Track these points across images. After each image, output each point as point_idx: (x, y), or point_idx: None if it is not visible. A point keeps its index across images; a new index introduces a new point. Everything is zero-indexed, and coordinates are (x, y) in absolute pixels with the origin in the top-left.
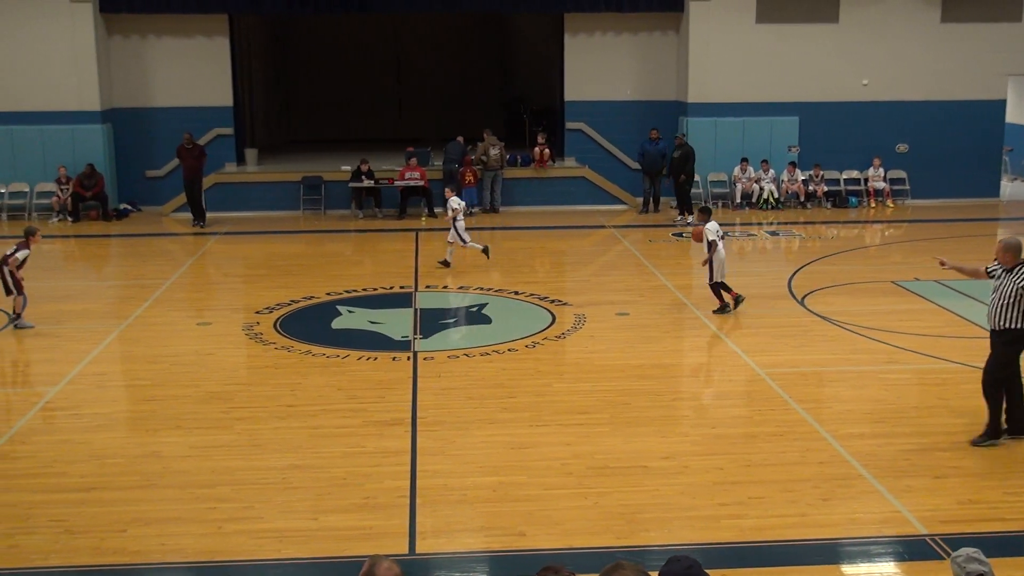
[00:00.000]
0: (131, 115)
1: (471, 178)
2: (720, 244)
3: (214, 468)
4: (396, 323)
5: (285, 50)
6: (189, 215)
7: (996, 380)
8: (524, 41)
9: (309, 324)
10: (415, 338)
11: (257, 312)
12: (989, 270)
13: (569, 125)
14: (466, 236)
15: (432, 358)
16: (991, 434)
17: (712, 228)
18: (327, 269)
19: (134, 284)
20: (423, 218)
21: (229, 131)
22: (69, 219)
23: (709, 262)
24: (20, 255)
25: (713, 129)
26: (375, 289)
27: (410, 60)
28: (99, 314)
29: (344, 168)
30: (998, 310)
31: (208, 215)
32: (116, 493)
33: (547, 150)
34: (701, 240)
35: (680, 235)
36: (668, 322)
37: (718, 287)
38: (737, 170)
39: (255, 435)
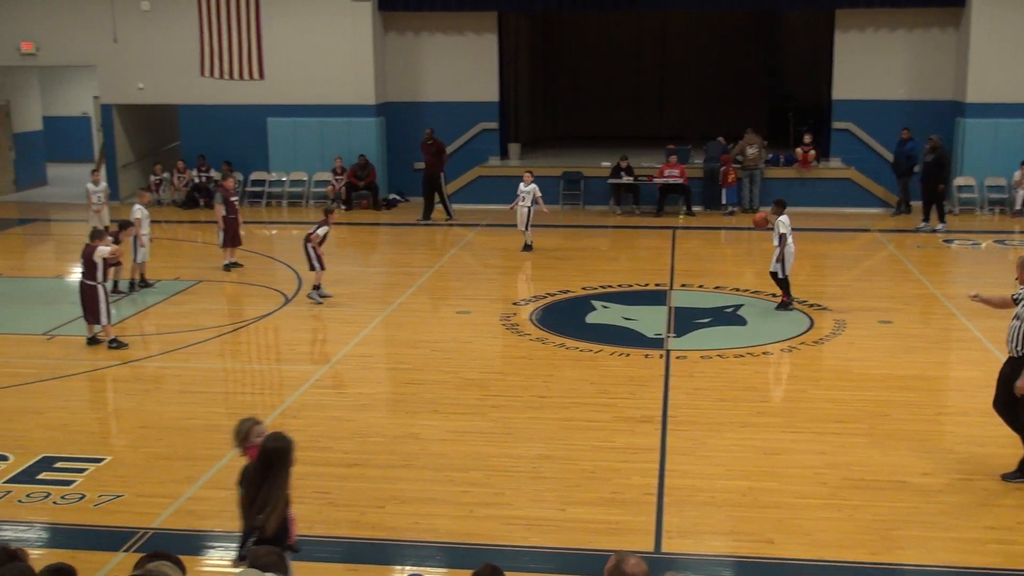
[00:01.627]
0: (402, 109)
1: (732, 177)
2: (790, 238)
3: (468, 453)
4: (650, 320)
5: (550, 46)
6: (453, 207)
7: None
8: (792, 38)
9: (564, 317)
10: (668, 336)
11: (514, 303)
12: (1015, 296)
13: (836, 125)
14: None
15: (685, 357)
16: None
17: (785, 221)
18: (583, 264)
19: (399, 271)
20: (681, 216)
21: (494, 126)
22: (343, 207)
23: (780, 255)
24: (321, 232)
25: (993, 131)
26: (630, 285)
27: (674, 57)
28: (367, 298)
29: (604, 164)
30: (1017, 336)
31: (471, 207)
32: (376, 471)
33: (812, 151)
34: (763, 226)
35: (951, 242)
36: (934, 332)
37: (785, 282)
38: (1018, 174)
39: (508, 423)
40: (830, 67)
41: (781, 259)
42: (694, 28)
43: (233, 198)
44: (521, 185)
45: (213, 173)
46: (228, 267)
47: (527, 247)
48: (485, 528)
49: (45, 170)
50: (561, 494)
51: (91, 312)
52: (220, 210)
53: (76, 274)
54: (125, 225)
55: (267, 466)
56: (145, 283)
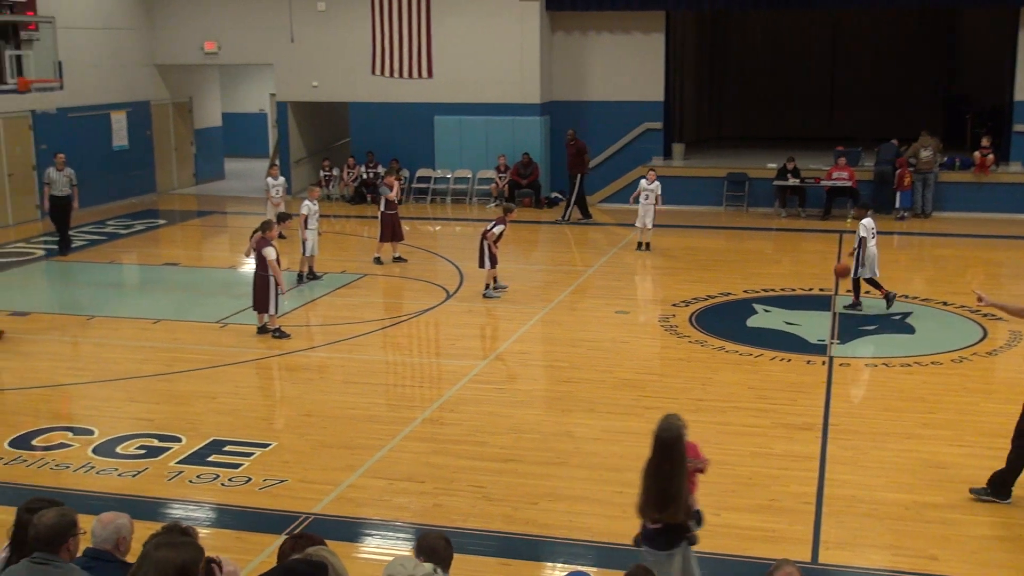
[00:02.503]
0: (566, 108)
1: (908, 180)
2: (872, 241)
3: (623, 453)
4: (813, 326)
5: (717, 46)
6: (615, 206)
7: None
8: (971, 37)
9: (724, 320)
10: (832, 343)
11: (674, 304)
12: None
13: (1017, 128)
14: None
15: (848, 365)
16: None
17: (866, 225)
18: (745, 266)
19: (559, 270)
20: (848, 220)
21: (658, 125)
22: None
23: (856, 256)
24: (496, 230)
25: None
26: (793, 289)
27: (845, 56)
28: (526, 296)
29: (770, 166)
30: None
31: (634, 207)
32: (530, 467)
33: (990, 154)
34: (845, 275)
35: None
36: None
37: (871, 282)
38: None
39: None
40: (1012, 67)
41: (860, 262)
42: (866, 27)
43: (393, 194)
44: (643, 182)
45: (381, 169)
46: (378, 261)
47: (642, 246)
48: (638, 529)
49: (223, 164)
50: (717, 499)
51: (259, 302)
52: (395, 188)
53: (249, 264)
54: (284, 218)
55: (666, 456)
56: (313, 276)
